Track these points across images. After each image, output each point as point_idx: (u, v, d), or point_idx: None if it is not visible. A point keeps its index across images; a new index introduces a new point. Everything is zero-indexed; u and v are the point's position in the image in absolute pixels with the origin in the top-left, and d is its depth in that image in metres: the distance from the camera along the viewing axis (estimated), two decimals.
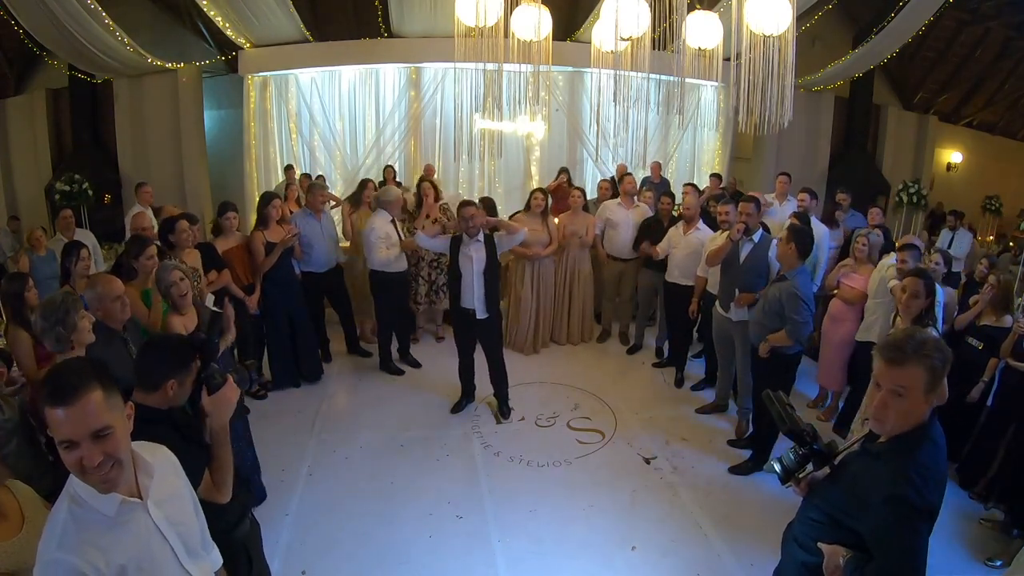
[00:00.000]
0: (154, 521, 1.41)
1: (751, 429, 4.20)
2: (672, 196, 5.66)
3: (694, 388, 5.00)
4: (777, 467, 1.88)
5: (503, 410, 4.50)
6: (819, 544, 1.71)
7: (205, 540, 1.64)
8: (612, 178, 7.90)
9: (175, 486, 1.53)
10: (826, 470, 1.83)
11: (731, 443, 4.20)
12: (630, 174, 5.93)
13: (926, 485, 1.56)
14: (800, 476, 1.86)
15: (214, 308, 3.21)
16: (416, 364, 5.32)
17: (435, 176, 7.49)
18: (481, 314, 4.31)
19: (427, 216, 5.38)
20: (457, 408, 4.58)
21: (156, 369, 1.87)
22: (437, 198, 5.53)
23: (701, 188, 6.98)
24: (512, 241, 4.52)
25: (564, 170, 7.70)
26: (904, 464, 1.58)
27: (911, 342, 1.58)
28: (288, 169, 7.93)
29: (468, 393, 4.63)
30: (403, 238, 4.99)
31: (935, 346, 1.57)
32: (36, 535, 1.58)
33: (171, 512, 1.46)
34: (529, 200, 5.49)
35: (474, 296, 4.26)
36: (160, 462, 1.50)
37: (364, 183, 5.72)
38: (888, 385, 1.59)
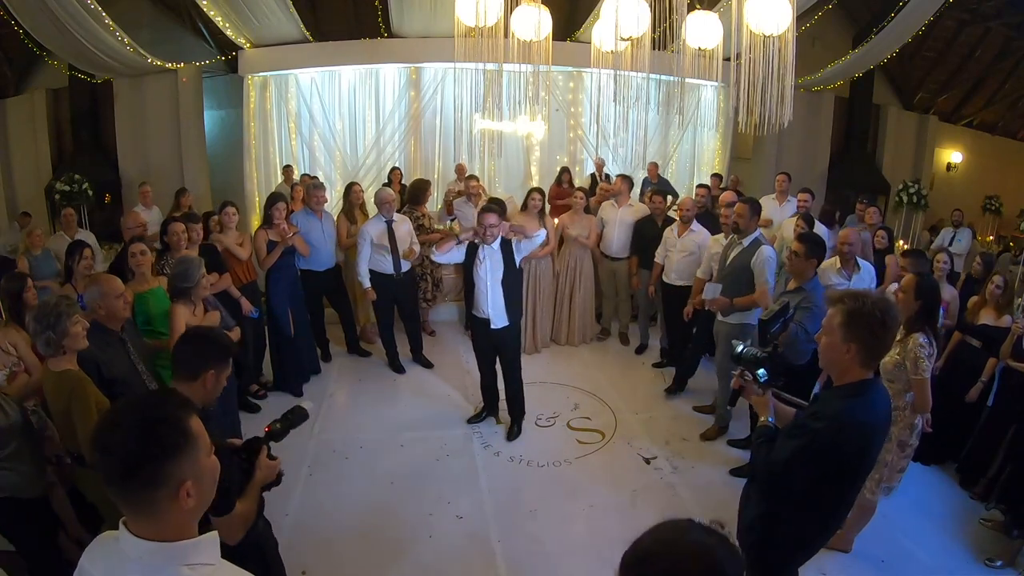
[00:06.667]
0: None
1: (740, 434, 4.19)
2: (664, 196, 5.60)
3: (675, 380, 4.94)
4: (740, 347, 2.12)
5: (513, 430, 4.28)
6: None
7: None
8: (593, 175, 7.93)
9: None
10: (764, 389, 2.09)
11: (731, 443, 4.19)
12: (626, 176, 5.90)
13: (841, 431, 1.76)
14: (746, 373, 2.10)
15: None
16: (428, 364, 5.30)
17: (467, 175, 7.17)
18: (498, 323, 4.05)
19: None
20: (475, 419, 4.43)
21: (195, 359, 1.92)
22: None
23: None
24: (531, 245, 4.10)
25: (565, 170, 7.69)
26: (832, 406, 1.81)
27: (844, 293, 1.90)
28: (287, 169, 7.94)
29: (490, 407, 4.44)
30: (410, 241, 4.98)
31: (854, 295, 1.85)
32: None
33: None
34: (526, 200, 5.42)
35: (489, 304, 4.01)
36: None
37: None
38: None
